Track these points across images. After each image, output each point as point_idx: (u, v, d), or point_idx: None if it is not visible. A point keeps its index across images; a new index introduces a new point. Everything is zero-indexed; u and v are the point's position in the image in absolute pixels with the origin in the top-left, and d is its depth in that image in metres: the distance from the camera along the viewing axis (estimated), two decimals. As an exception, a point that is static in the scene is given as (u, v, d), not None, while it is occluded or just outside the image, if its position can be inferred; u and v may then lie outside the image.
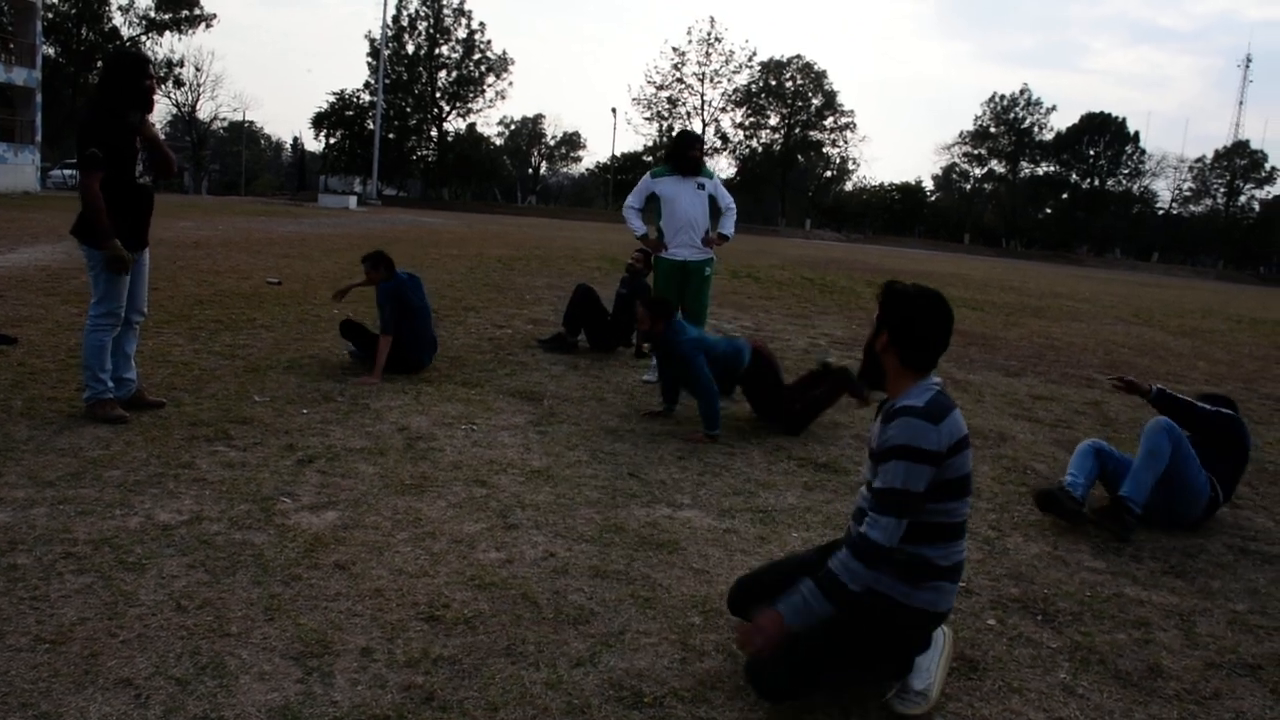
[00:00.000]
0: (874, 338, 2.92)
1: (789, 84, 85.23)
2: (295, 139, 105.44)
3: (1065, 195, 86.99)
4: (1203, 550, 4.63)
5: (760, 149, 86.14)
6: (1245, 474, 5.25)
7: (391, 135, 75.77)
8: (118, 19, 65.96)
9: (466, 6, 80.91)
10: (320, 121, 76.68)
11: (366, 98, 75.34)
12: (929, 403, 2.75)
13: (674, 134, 7.82)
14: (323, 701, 2.67)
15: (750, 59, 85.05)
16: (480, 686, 2.81)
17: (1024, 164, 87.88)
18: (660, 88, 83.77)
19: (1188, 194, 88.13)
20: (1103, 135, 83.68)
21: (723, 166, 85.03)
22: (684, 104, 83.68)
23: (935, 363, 2.87)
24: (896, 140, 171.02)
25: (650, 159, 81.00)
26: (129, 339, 5.43)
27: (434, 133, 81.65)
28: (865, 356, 2.97)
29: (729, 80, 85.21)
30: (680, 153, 7.35)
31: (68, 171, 48.75)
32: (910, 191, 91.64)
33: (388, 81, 72.21)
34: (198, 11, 67.96)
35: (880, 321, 2.90)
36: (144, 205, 5.27)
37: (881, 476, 2.72)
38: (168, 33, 67.65)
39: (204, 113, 78.42)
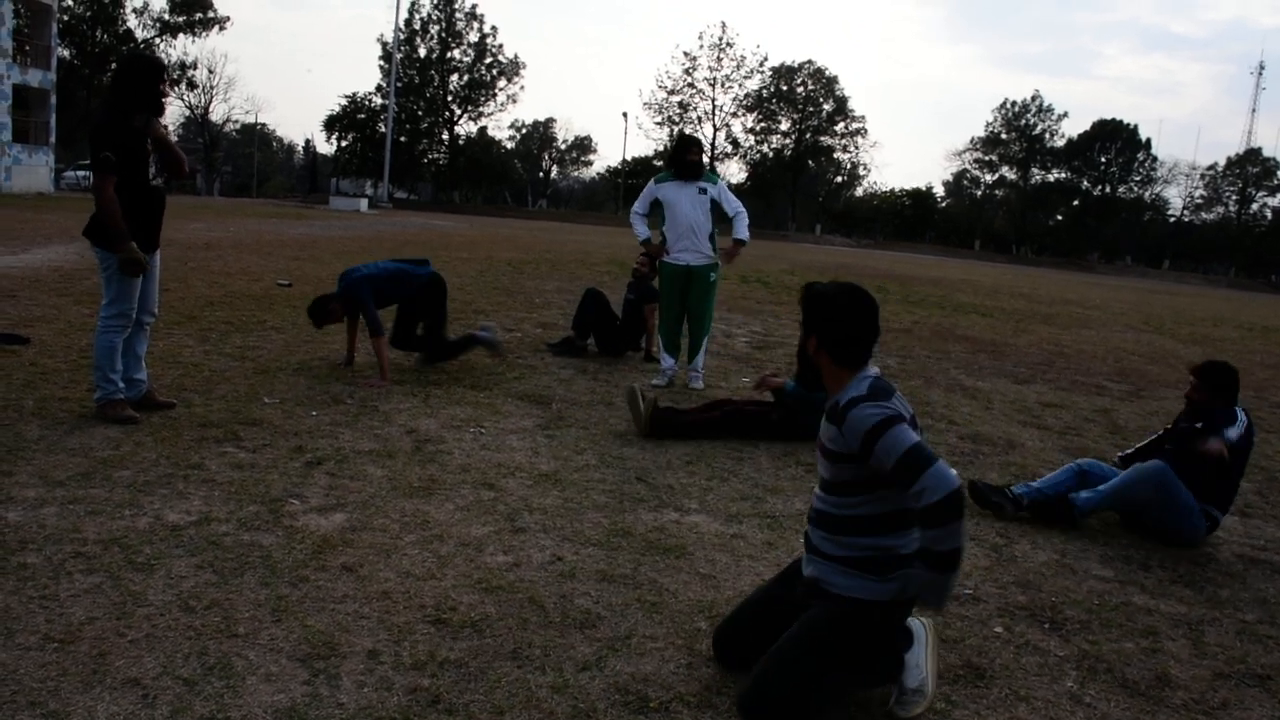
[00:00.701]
0: (804, 342, 2.94)
1: (800, 89, 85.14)
2: (307, 141, 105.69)
3: (1076, 202, 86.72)
4: (1211, 559, 4.61)
5: (771, 154, 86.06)
6: (1249, 473, 5.23)
7: (403, 138, 75.86)
8: (132, 21, 66.32)
9: (479, 10, 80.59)
10: (332, 124, 76.86)
11: (378, 101, 75.44)
12: (870, 388, 2.79)
13: (675, 137, 7.81)
14: (329, 703, 2.67)
15: (761, 64, 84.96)
16: (486, 690, 2.81)
17: (1035, 170, 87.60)
18: (671, 92, 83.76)
19: (1199, 201, 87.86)
20: (1114, 142, 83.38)
21: (733, 171, 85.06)
22: (695, 109, 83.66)
23: (868, 356, 2.89)
24: (906, 145, 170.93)
25: (660, 164, 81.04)
26: (140, 340, 5.46)
27: (445, 136, 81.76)
28: (799, 361, 3.00)
29: (740, 85, 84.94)
30: (678, 157, 7.36)
31: (81, 173, 48.95)
32: (921, 197, 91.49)
33: (399, 85, 72.31)
34: (211, 14, 68.27)
35: (806, 326, 2.92)
36: (156, 207, 5.30)
37: (888, 453, 2.64)
38: (181, 35, 67.97)
39: (217, 115, 78.68)
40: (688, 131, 75.48)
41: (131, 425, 5.14)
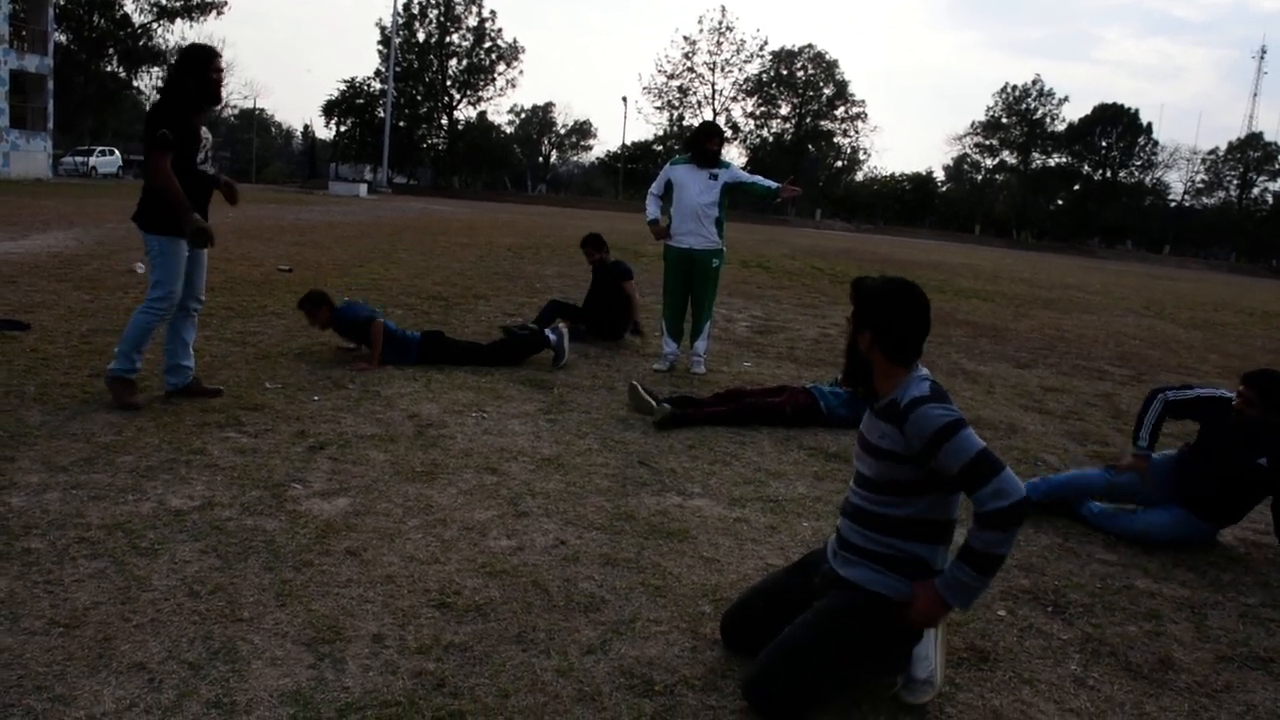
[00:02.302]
0: (855, 340, 2.88)
1: (800, 73, 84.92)
2: (306, 126, 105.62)
3: (1077, 186, 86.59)
4: (1214, 543, 4.61)
5: (771, 138, 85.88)
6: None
7: (402, 123, 75.69)
8: (129, 6, 65.85)
9: (477, -6, 79.87)
10: (331, 109, 76.69)
11: (377, 86, 75.21)
12: (932, 389, 2.76)
13: (699, 124, 7.74)
14: (334, 687, 2.68)
15: (761, 48, 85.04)
16: (491, 673, 2.82)
17: (1035, 155, 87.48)
18: (671, 77, 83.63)
19: (1200, 186, 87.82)
20: (1115, 126, 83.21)
21: (733, 156, 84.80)
22: (695, 93, 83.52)
23: (920, 353, 2.85)
24: (907, 130, 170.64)
25: (660, 148, 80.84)
26: (188, 327, 5.43)
27: (444, 121, 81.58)
28: (849, 359, 2.92)
29: (740, 70, 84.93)
30: (698, 143, 7.33)
31: (79, 158, 48.88)
32: (921, 182, 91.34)
33: (398, 69, 72.06)
34: (208, -1, 67.90)
35: (859, 323, 2.85)
36: (205, 192, 5.27)
37: (956, 456, 2.62)
38: (179, 20, 67.53)
39: (215, 100, 78.29)
40: (693, 118, 75.44)
41: (132, 412, 5.12)
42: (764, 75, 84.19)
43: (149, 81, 68.35)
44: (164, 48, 65.63)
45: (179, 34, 76.04)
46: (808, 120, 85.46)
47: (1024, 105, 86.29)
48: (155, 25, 66.34)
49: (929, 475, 2.72)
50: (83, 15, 62.62)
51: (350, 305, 7.06)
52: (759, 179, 7.47)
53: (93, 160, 49.05)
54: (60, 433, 4.68)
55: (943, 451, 2.63)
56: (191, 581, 3.24)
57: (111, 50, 64.40)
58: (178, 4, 65.57)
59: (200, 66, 5.05)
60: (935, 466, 2.67)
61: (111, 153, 52.02)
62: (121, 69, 66.01)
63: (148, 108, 5.27)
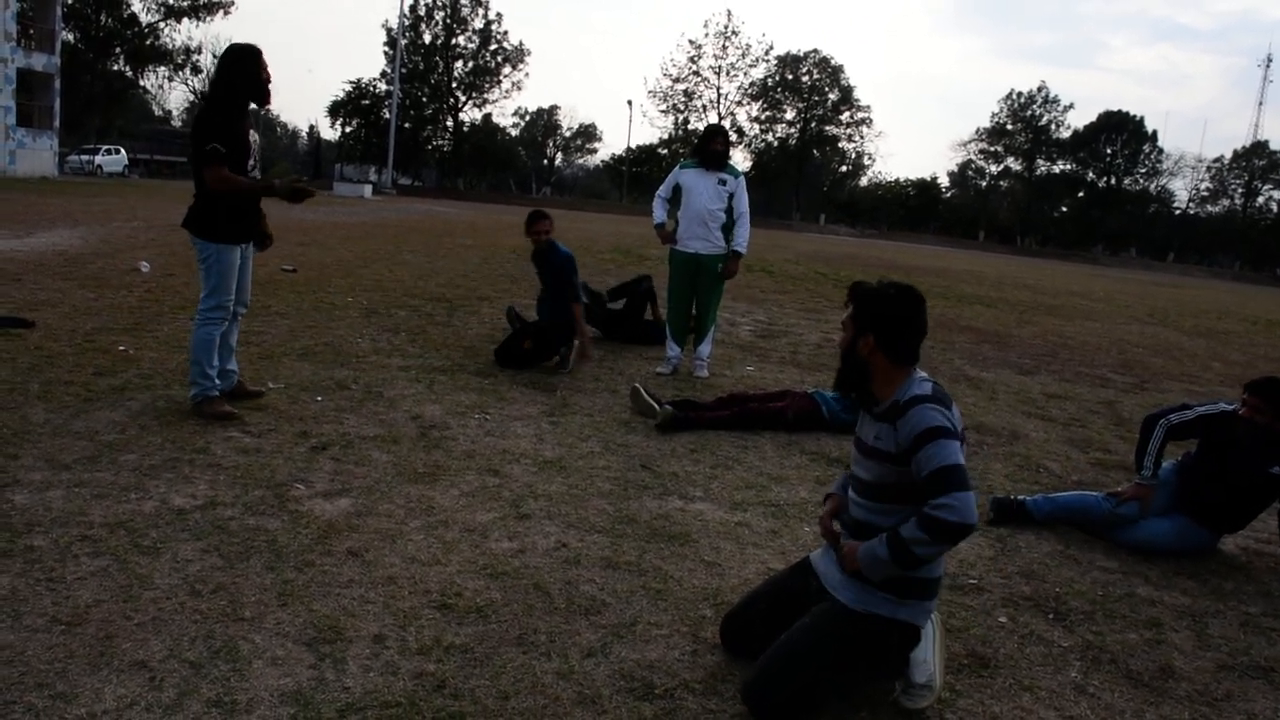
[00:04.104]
0: (854, 342, 2.86)
1: (805, 78, 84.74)
2: (311, 127, 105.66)
3: (1081, 194, 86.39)
4: (1215, 551, 4.61)
5: (776, 143, 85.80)
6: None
7: (407, 125, 75.65)
8: (136, 5, 65.94)
9: (484, -4, 79.89)
10: (336, 110, 76.68)
11: (383, 87, 75.21)
12: (935, 390, 2.76)
13: (705, 127, 7.73)
14: (335, 687, 2.68)
15: (767, 53, 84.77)
16: (492, 675, 2.82)
17: (1040, 161, 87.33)
18: (676, 80, 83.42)
19: (1205, 194, 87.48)
20: (1120, 134, 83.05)
21: (738, 160, 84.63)
22: (700, 97, 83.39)
23: (919, 354, 2.86)
24: (912, 136, 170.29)
25: (665, 152, 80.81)
26: (232, 330, 5.39)
27: (450, 123, 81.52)
28: (846, 362, 2.90)
29: (745, 74, 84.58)
30: (704, 145, 7.34)
31: (85, 157, 48.94)
32: (925, 188, 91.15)
33: (404, 71, 72.10)
34: (216, -1, 67.96)
35: (859, 325, 2.84)
36: (254, 198, 5.22)
37: (930, 460, 2.62)
38: (186, 20, 67.58)
39: (221, 100, 78.33)
40: (698, 122, 75.50)
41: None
42: (769, 80, 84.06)
43: (155, 80, 68.54)
44: (171, 47, 65.72)
45: (185, 33, 76.30)
46: (813, 125, 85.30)
47: (1029, 112, 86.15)
48: (162, 25, 66.41)
49: (909, 477, 2.71)
50: (90, 14, 62.68)
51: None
52: (740, 230, 7.42)
53: (99, 159, 49.11)
54: (64, 431, 4.69)
55: (923, 451, 2.63)
56: (193, 580, 3.25)
57: (118, 49, 64.40)
58: (185, 4, 65.63)
59: (249, 66, 4.96)
60: (912, 466, 2.67)
61: (118, 151, 52.09)
62: (128, 68, 66.05)
63: (195, 114, 5.16)
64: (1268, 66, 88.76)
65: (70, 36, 57.62)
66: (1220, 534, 4.62)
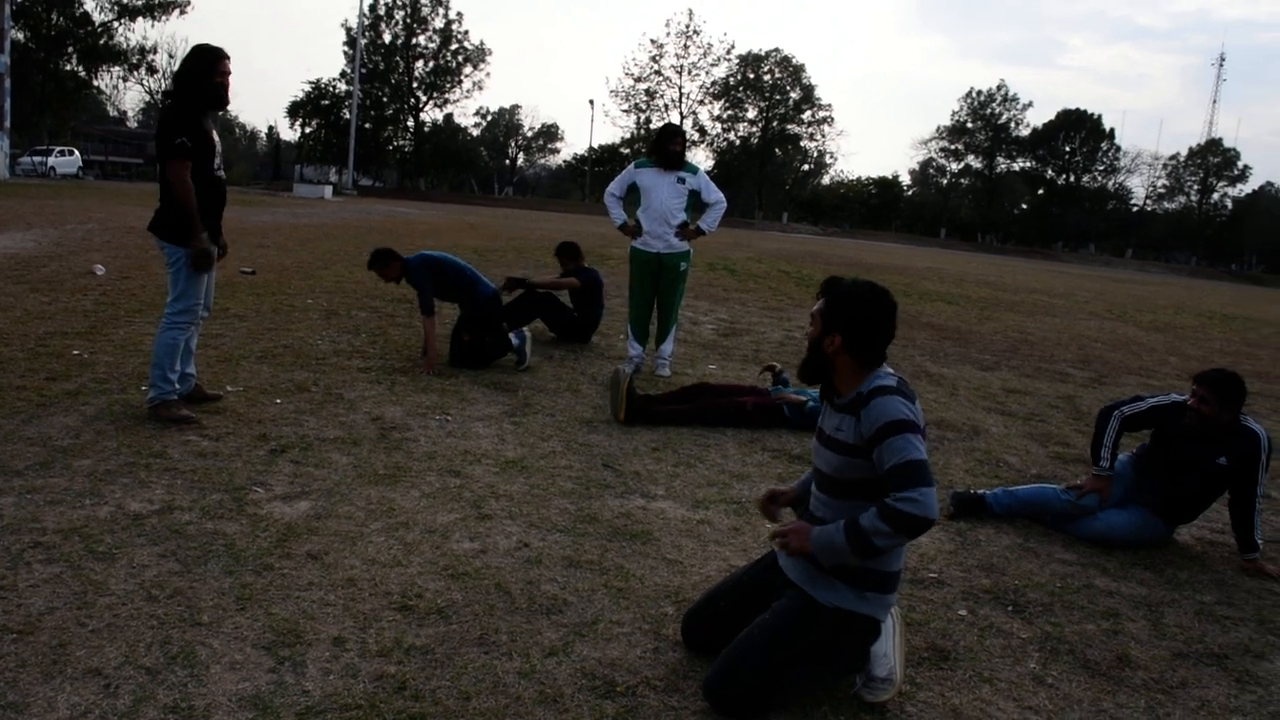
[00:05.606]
0: (822, 338, 2.85)
1: (767, 77, 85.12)
2: (270, 128, 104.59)
3: (1041, 191, 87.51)
4: (1171, 542, 4.68)
5: (738, 142, 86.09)
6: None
7: (368, 125, 75.18)
8: (89, 4, 65.00)
9: (444, -5, 79.43)
10: (295, 111, 76.07)
11: (342, 87, 74.65)
12: (899, 384, 2.77)
13: (659, 127, 7.74)
14: (294, 691, 2.65)
15: (728, 52, 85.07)
16: (453, 676, 2.81)
17: (1000, 159, 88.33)
18: (638, 80, 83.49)
19: (1162, 191, 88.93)
20: (1078, 132, 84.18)
21: (700, 159, 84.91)
22: (662, 96, 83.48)
23: (885, 356, 2.86)
24: (874, 135, 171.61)
25: (627, 151, 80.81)
26: (193, 335, 5.32)
27: (410, 123, 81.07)
28: (811, 355, 2.90)
29: (707, 73, 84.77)
30: (660, 146, 7.34)
31: (37, 158, 48.18)
32: (887, 186, 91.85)
33: (364, 71, 71.56)
34: (171, -2, 67.01)
35: (828, 322, 2.83)
36: (219, 200, 5.16)
37: (894, 454, 2.61)
38: (140, 19, 66.61)
39: (178, 100, 77.28)
40: (660, 121, 75.53)
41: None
42: (731, 79, 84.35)
43: (109, 81, 67.54)
44: (125, 47, 64.72)
45: (140, 33, 75.16)
46: (774, 124, 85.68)
47: (989, 110, 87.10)
48: (116, 24, 65.47)
49: (870, 469, 2.72)
50: (41, 13, 61.61)
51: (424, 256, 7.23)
52: (714, 206, 7.48)
53: (51, 160, 48.39)
54: (15, 436, 4.61)
55: (886, 444, 2.63)
56: (150, 586, 3.20)
57: (71, 49, 63.40)
58: (139, 3, 64.73)
59: (207, 68, 4.90)
60: (874, 457, 2.67)
61: (71, 153, 51.35)
62: (81, 68, 65.02)
63: (160, 113, 5.07)
64: (1221, 65, 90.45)
65: (20, 35, 56.64)
66: (1175, 525, 4.69)
